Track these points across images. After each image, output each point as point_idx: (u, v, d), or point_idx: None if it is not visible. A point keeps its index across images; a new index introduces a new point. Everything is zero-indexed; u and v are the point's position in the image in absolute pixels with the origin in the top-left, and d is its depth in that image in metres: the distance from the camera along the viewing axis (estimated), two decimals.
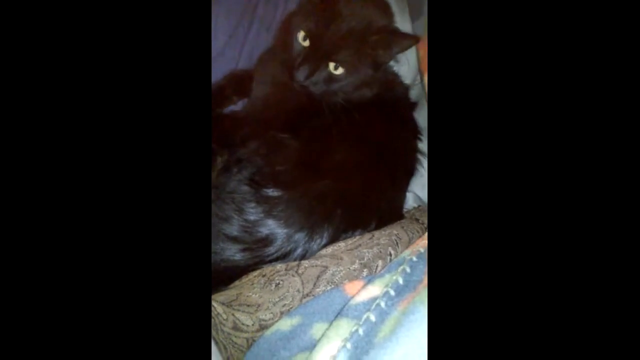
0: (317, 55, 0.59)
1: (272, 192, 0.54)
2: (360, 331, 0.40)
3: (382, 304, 0.42)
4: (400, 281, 0.44)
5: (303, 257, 0.53)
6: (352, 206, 0.55)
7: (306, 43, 0.60)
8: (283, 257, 0.53)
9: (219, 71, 0.71)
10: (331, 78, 0.60)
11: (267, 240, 0.53)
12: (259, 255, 0.52)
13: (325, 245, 0.54)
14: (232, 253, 0.52)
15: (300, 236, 0.53)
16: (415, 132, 0.67)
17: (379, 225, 0.57)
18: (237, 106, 0.74)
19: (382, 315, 0.41)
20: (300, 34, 0.60)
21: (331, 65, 0.59)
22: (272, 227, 0.53)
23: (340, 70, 0.60)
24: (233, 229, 0.53)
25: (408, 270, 0.45)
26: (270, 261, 0.52)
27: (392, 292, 0.43)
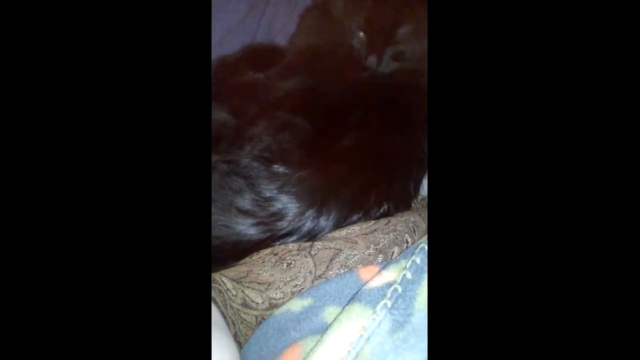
0: (378, 40, 0.63)
1: (279, 168, 0.54)
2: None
3: (400, 289, 0.40)
4: (418, 261, 0.42)
5: (311, 231, 0.52)
6: (359, 189, 0.54)
7: (362, 35, 0.63)
8: (295, 231, 0.52)
9: (237, 41, 0.69)
10: (397, 53, 0.64)
11: (279, 215, 0.51)
12: (272, 229, 0.51)
13: (334, 223, 0.52)
14: (246, 227, 0.50)
15: (310, 212, 0.52)
16: None
17: (391, 209, 0.56)
18: (249, 77, 0.71)
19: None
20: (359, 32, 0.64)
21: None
22: (285, 202, 0.52)
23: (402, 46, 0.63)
24: (245, 203, 0.51)
25: (427, 248, 0.43)
26: (283, 235, 0.51)
27: (410, 275, 0.41)
